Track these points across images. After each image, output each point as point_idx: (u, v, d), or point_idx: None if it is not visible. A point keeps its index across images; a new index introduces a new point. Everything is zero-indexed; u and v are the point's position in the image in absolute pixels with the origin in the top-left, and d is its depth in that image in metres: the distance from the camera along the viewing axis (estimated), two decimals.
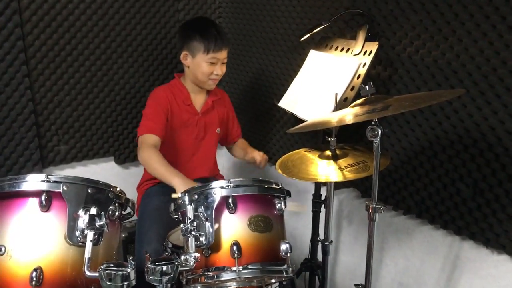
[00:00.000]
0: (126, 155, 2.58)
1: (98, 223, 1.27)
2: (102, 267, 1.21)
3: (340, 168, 1.64)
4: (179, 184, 1.76)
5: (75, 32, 2.26)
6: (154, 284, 1.27)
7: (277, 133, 2.52)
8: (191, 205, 1.41)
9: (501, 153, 1.58)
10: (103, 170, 2.55)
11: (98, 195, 1.32)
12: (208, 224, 1.40)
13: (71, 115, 2.36)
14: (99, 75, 2.39)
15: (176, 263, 1.28)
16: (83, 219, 1.26)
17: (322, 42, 2.06)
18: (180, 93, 2.14)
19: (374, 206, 1.45)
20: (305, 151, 1.80)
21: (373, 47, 1.77)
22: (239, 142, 2.38)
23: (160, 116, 2.04)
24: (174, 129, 2.11)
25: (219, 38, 2.04)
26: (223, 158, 2.47)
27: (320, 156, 1.72)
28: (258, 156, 2.15)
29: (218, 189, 1.44)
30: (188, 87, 2.16)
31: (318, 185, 2.08)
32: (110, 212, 1.35)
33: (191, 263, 1.31)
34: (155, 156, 1.90)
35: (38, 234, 1.25)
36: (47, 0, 2.15)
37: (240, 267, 1.39)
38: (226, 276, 1.40)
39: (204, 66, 2.04)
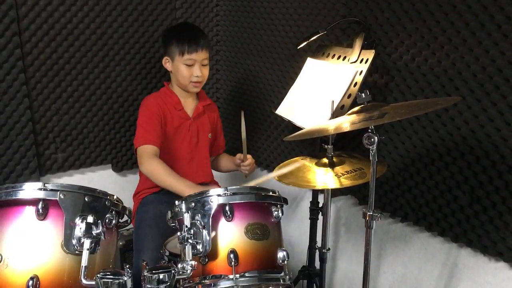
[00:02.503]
0: (124, 163, 2.58)
1: (95, 231, 1.27)
2: (98, 275, 1.21)
3: (337, 175, 1.64)
4: (189, 192, 1.66)
5: (72, 40, 2.27)
6: None
7: (275, 141, 2.53)
8: (188, 213, 1.41)
9: (498, 160, 1.58)
10: (101, 178, 2.54)
11: (95, 203, 1.32)
12: (205, 232, 1.40)
13: (69, 123, 2.36)
14: (97, 83, 2.39)
15: (173, 271, 1.28)
16: (79, 227, 1.26)
17: (319, 50, 2.07)
18: (170, 99, 2.15)
19: (371, 213, 1.46)
20: (302, 159, 1.80)
21: (370, 55, 1.78)
22: (222, 155, 2.42)
23: (155, 125, 2.05)
24: (167, 135, 2.12)
25: (193, 39, 2.04)
26: None
27: (317, 164, 1.72)
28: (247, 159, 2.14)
29: (215, 197, 1.44)
30: (177, 93, 2.17)
31: (315, 193, 2.08)
32: (107, 220, 1.34)
33: (188, 271, 1.31)
34: (160, 167, 1.92)
35: (35, 242, 1.25)
36: (45, 9, 2.16)
37: (237, 275, 1.39)
38: (223, 284, 1.40)
39: (182, 68, 2.06)
